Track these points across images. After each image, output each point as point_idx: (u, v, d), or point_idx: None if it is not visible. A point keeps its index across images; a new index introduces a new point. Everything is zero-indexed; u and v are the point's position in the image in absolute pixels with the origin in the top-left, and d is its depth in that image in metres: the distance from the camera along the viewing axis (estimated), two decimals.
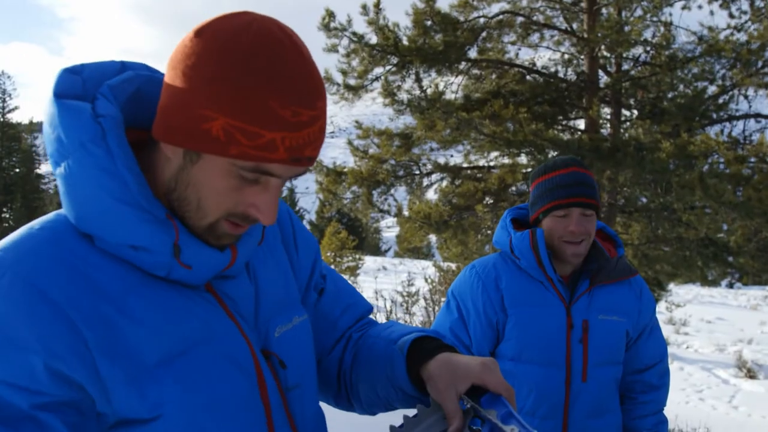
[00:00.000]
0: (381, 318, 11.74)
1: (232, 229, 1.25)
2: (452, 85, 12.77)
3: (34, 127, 74.94)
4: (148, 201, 1.18)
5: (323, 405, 1.62)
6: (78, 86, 1.22)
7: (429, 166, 12.78)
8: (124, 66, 1.32)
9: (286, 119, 1.12)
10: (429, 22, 11.69)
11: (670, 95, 11.91)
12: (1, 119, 67.29)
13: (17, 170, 67.40)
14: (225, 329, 1.28)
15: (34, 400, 1.05)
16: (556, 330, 2.83)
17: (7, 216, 64.82)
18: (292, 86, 1.12)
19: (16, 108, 68.54)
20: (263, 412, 1.30)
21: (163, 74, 1.31)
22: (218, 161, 1.16)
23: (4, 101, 67.63)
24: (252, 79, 1.10)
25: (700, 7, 12.14)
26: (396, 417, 1.40)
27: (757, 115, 11.98)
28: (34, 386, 1.05)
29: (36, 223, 1.21)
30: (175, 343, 1.19)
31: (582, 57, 12.47)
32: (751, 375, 15.99)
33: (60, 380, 1.07)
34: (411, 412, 1.39)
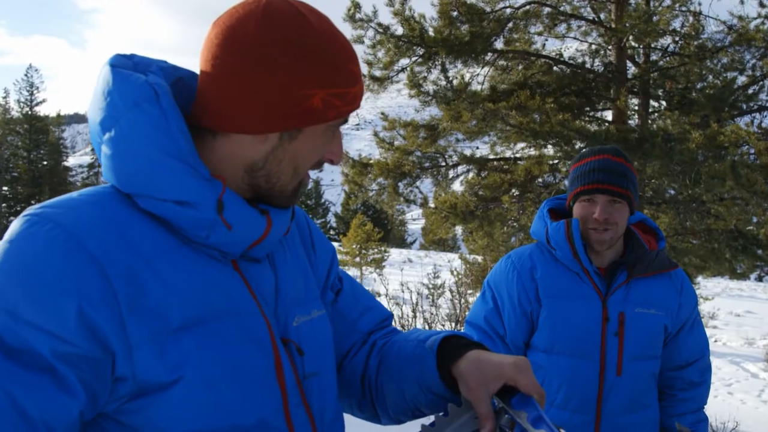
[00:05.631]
0: (407, 310, 11.75)
1: (308, 178, 1.41)
2: (478, 76, 12.69)
3: (62, 120, 75.49)
4: (195, 160, 1.23)
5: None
6: (130, 65, 1.30)
7: (455, 158, 12.72)
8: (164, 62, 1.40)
9: (357, 73, 1.32)
10: (455, 13, 11.62)
11: (699, 86, 11.77)
12: (29, 112, 67.96)
13: (45, 163, 68.02)
14: (248, 307, 1.31)
15: (57, 347, 1.08)
16: (590, 322, 2.80)
17: None
18: (348, 45, 1.33)
19: (43, 101, 69.17)
20: (279, 395, 1.32)
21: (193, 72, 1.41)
22: (318, 128, 1.32)
23: (32, 94, 68.28)
24: (331, 49, 1.27)
25: None
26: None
27: None
28: (61, 332, 1.08)
29: (74, 192, 1.26)
30: (199, 310, 1.22)
31: (609, 47, 12.34)
32: None
33: (87, 330, 1.10)
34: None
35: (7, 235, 1.15)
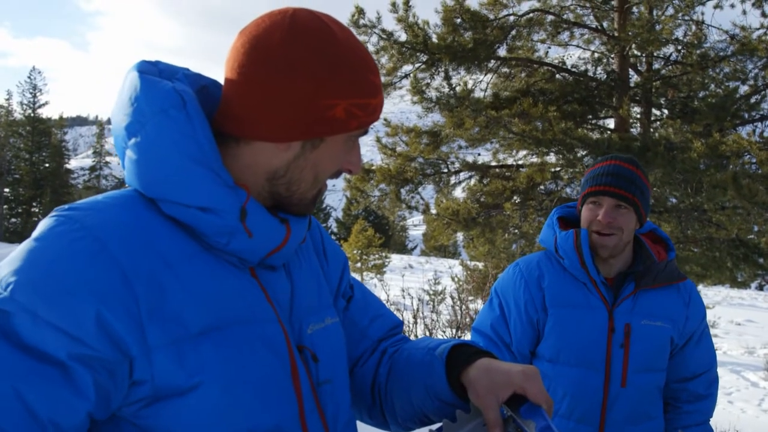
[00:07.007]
0: (407, 315, 11.73)
1: (326, 187, 1.44)
2: (481, 83, 12.73)
3: (64, 122, 75.40)
4: (220, 167, 1.25)
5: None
6: (155, 72, 1.31)
7: (457, 165, 12.74)
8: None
9: (379, 85, 1.35)
10: (458, 20, 11.66)
11: (701, 95, 11.80)
12: (32, 114, 67.96)
13: (47, 165, 67.99)
14: (266, 314, 1.33)
15: (74, 349, 1.09)
16: (596, 333, 2.79)
17: (37, 210, 65.48)
18: (370, 58, 1.35)
19: (46, 103, 69.19)
20: (296, 401, 1.32)
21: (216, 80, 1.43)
22: (339, 137, 1.34)
23: (34, 96, 68.33)
24: (355, 60, 1.30)
25: (732, 5, 11.99)
26: None
27: None
28: (79, 334, 1.09)
29: (99, 195, 1.28)
30: (218, 316, 1.23)
31: (612, 56, 12.37)
32: None
33: (105, 334, 1.11)
34: None
35: (36, 233, 1.17)
